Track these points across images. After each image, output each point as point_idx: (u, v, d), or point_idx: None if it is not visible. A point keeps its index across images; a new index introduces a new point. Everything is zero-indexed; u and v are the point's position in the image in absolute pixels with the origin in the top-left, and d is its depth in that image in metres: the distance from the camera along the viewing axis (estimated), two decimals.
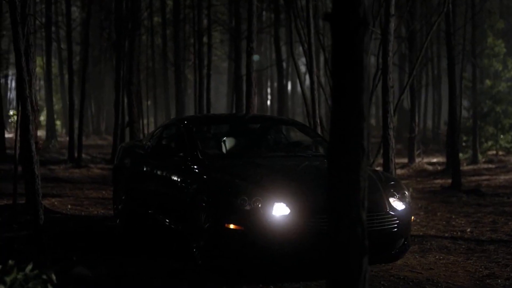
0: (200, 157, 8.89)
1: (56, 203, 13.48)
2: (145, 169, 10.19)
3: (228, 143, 9.96)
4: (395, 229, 7.98)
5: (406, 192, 8.35)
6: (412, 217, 8.60)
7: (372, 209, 7.83)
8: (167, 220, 9.27)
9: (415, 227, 11.08)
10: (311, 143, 10.34)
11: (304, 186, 7.85)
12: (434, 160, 26.81)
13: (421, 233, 10.69)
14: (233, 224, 7.54)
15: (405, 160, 25.69)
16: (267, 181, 7.96)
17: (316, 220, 7.49)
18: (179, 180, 8.89)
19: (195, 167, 8.76)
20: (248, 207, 7.51)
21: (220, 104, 67.46)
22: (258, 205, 7.52)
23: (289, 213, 7.51)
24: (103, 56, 41.40)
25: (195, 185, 8.42)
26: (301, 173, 8.67)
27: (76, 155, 22.88)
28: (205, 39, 27.34)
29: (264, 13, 38.12)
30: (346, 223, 3.61)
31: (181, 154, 9.21)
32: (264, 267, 7.61)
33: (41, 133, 42.13)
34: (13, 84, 42.30)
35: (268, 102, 54.56)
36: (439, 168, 23.19)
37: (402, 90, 14.49)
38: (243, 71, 18.54)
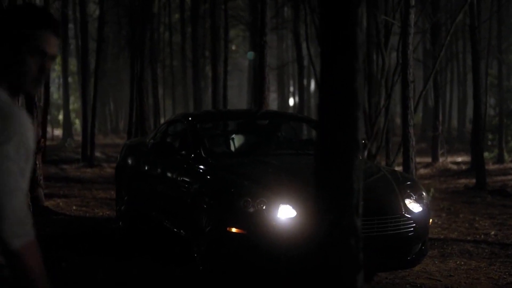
0: (204, 155, 8.35)
1: (61, 203, 12.99)
2: (147, 168, 9.66)
3: (235, 140, 9.42)
4: (412, 233, 7.38)
5: (424, 193, 7.75)
6: (431, 220, 8.00)
7: (387, 211, 7.30)
8: (170, 223, 8.74)
9: (435, 230, 10.49)
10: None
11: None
12: (459, 159, 26.05)
13: (441, 236, 10.08)
14: (235, 227, 7.01)
15: (429, 159, 24.99)
16: (273, 181, 7.41)
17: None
18: (181, 179, 8.36)
19: (198, 165, 8.23)
20: (251, 209, 6.98)
21: (242, 101, 66.82)
22: (263, 207, 6.97)
23: (296, 215, 6.94)
24: (121, 53, 40.98)
25: (197, 185, 7.90)
26: (310, 173, 8.06)
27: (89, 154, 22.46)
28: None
29: (286, 9, 37.55)
30: (336, 233, 3.00)
31: (184, 152, 8.70)
32: (268, 273, 7.05)
33: (59, 132, 41.86)
34: None
35: (291, 100, 53.88)
36: (463, 167, 22.45)
37: (424, 85, 13.83)
38: None
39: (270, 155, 8.75)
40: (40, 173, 12.03)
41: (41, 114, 12.09)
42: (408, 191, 7.62)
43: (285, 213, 6.95)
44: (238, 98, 67.20)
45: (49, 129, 40.51)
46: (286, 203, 6.99)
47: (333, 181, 3.01)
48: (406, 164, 12.13)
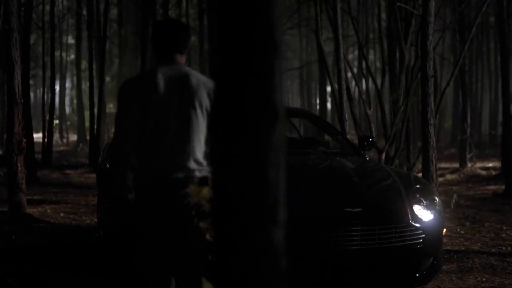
0: None
1: (48, 210, 11.94)
2: None
3: None
4: (421, 245, 6.20)
5: (436, 198, 6.57)
6: (445, 230, 6.80)
7: (390, 219, 6.13)
8: None
9: (456, 240, 9.32)
10: (327, 139, 8.71)
11: (308, 191, 6.16)
12: (489, 164, 24.66)
13: (462, 248, 8.88)
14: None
15: (457, 165, 23.70)
16: None
17: (324, 234, 5.79)
18: None
19: None
20: None
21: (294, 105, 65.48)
22: None
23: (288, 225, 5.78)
24: (138, 55, 40.11)
25: None
26: (306, 175, 6.98)
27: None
28: None
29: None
30: (241, 254, 1.86)
31: None
32: None
33: (72, 137, 40.97)
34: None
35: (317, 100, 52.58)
36: (493, 173, 21.12)
37: (448, 81, 12.60)
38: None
39: None
40: (22, 177, 10.96)
41: (21, 113, 11.02)
42: (418, 195, 6.46)
43: None
44: (291, 100, 66.44)
45: (64, 134, 39.82)
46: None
47: (235, 167, 1.86)
48: (425, 167, 10.95)
